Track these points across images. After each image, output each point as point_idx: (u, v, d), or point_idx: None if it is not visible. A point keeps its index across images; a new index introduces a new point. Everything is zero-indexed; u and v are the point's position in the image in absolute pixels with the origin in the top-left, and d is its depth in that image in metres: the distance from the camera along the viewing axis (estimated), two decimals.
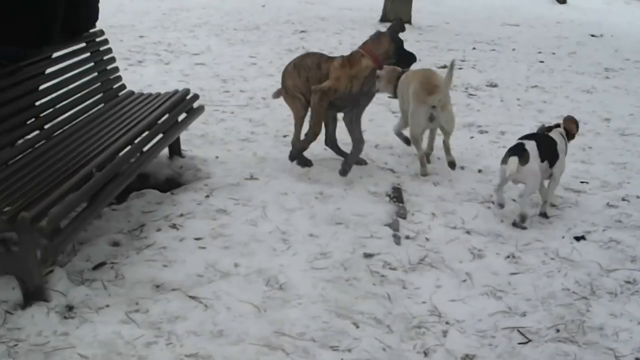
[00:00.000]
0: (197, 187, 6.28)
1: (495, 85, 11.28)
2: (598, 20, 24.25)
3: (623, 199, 6.53)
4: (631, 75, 13.41)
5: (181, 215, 5.66)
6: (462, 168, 7.12)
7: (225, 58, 12.41)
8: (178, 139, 6.87)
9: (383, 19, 18.06)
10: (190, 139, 7.66)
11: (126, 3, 20.17)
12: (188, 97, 6.92)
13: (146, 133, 5.85)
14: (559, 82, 11.92)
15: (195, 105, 6.96)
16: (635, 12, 28.79)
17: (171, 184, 6.58)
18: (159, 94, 7.04)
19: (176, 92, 7.01)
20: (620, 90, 11.75)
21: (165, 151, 6.69)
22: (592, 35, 19.48)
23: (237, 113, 8.82)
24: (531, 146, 5.74)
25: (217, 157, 7.01)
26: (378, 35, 6.43)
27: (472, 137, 8.24)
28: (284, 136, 7.88)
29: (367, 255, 5.08)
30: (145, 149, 5.71)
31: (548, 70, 13.11)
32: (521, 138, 5.97)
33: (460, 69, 12.60)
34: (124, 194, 5.94)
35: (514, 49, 15.53)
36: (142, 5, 19.58)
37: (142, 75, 10.79)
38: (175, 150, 6.93)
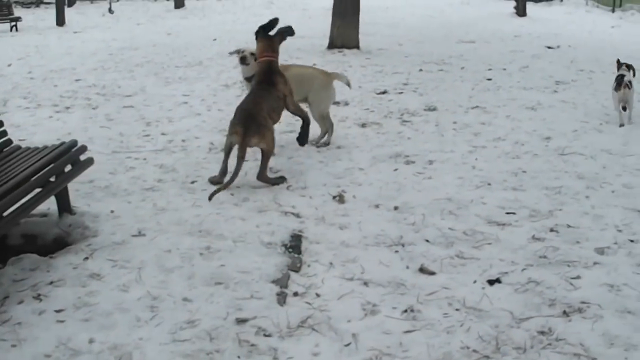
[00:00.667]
0: (79, 248, 5.70)
1: (434, 109, 10.75)
2: (557, 31, 23.93)
3: (552, 230, 5.96)
4: (582, 87, 12.95)
5: (51, 283, 5.08)
6: (377, 206, 6.54)
7: (156, 99, 11.91)
8: (66, 195, 6.30)
9: (330, 46, 17.55)
10: (92, 191, 7.09)
11: (76, 45, 19.74)
12: (74, 149, 6.34)
13: (18, 190, 5.27)
14: (503, 100, 11.41)
15: (83, 157, 6.37)
16: (597, 20, 28.53)
17: (59, 245, 5.99)
18: (45, 147, 6.46)
19: (62, 144, 6.43)
20: (568, 104, 11.25)
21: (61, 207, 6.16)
22: (549, 47, 19.08)
23: (150, 159, 8.25)
24: (629, 77, 9.83)
25: (112, 212, 6.43)
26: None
27: (395, 170, 7.66)
28: (192, 182, 7.32)
29: (240, 321, 4.48)
30: (14, 207, 5.14)
31: (494, 88, 12.62)
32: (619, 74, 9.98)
33: (400, 93, 12.10)
34: (3, 257, 5.48)
35: (462, 68, 15.07)
36: (91, 47, 19.16)
37: (65, 123, 10.33)
38: (65, 206, 6.34)
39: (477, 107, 10.95)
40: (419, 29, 23.83)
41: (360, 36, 18.92)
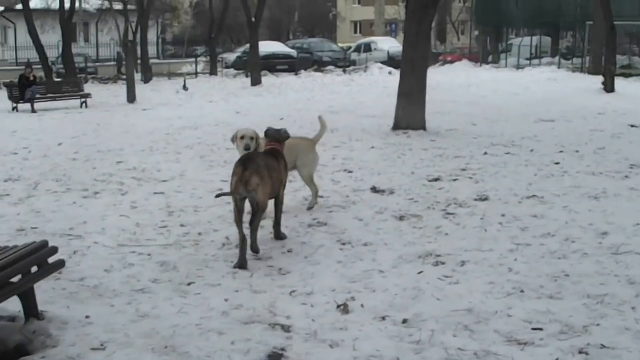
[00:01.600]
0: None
1: (486, 199, 9.97)
2: None
3: (581, 352, 5.12)
4: None
5: None
6: (383, 318, 5.79)
7: (192, 185, 11.43)
8: (33, 299, 5.77)
9: (395, 127, 16.94)
10: (79, 291, 6.54)
11: (138, 124, 19.67)
12: (43, 250, 5.82)
13: None
14: (565, 189, 10.55)
15: (52, 259, 5.86)
16: None
17: (20, 353, 5.45)
18: (15, 247, 5.97)
19: (32, 243, 5.94)
20: (637, 192, 10.30)
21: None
22: (632, 126, 18.04)
23: (155, 255, 7.68)
24: None
25: (87, 317, 5.85)
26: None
27: (420, 273, 6.89)
28: (189, 284, 6.70)
29: None
30: None
31: (560, 173, 11.77)
32: None
33: (454, 180, 11.35)
34: None
35: (532, 150, 14.25)
36: (152, 126, 19.05)
37: (86, 210, 9.87)
38: (31, 311, 5.80)
39: (534, 196, 10.11)
40: (499, 108, 23.05)
41: (432, 115, 18.41)
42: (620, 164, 12.72)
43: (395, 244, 7.94)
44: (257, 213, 7.35)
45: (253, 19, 34.86)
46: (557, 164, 12.75)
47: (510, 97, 27.36)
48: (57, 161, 13.90)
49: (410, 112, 16.84)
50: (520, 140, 15.69)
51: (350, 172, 12.35)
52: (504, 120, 19.63)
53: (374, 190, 10.79)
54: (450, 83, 33.53)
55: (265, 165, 7.46)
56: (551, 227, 8.42)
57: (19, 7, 46.11)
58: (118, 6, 45.66)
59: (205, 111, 23.90)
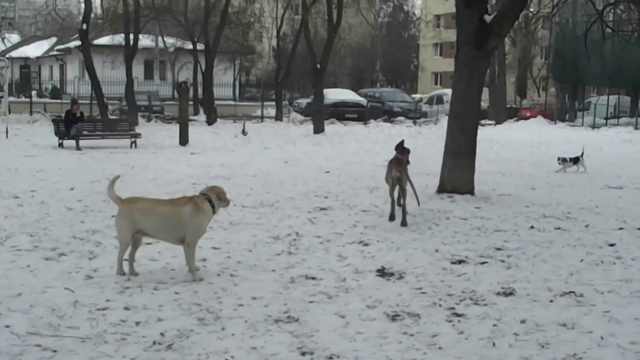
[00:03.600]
0: None
1: (510, 294, 7.80)
2: None
3: None
4: None
5: None
6: None
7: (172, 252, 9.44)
8: None
9: (440, 190, 14.80)
10: None
11: (175, 170, 18.17)
12: None
13: None
14: (613, 283, 8.31)
15: None
16: None
17: None
18: None
19: None
20: None
21: None
22: None
23: (61, 352, 5.75)
24: None
25: None
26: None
27: None
28: None
29: None
30: None
31: (611, 260, 9.51)
32: None
33: (482, 264, 9.17)
34: None
35: (587, 225, 11.96)
36: (186, 172, 17.47)
37: (34, 277, 8.17)
38: None
39: (570, 292, 7.89)
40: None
41: (492, 176, 17.07)
42: None
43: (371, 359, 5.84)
44: None
45: (318, 66, 33.24)
46: (612, 245, 10.48)
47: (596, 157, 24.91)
48: (50, 210, 12.19)
49: (457, 174, 14.70)
50: (578, 211, 13.41)
51: (366, 244, 10.29)
52: (567, 185, 17.32)
53: (381, 272, 8.74)
54: (522, 140, 31.17)
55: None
56: (580, 345, 6.21)
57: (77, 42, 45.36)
58: (189, 45, 44.40)
59: (255, 158, 22.12)
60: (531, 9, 51.46)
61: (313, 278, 8.34)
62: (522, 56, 59.73)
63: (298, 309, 7.18)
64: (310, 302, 7.46)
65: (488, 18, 14.71)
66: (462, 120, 14.74)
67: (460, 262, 9.27)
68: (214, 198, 8.32)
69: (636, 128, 37.90)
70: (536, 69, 66.91)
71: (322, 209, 12.97)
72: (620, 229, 11.78)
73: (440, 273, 8.72)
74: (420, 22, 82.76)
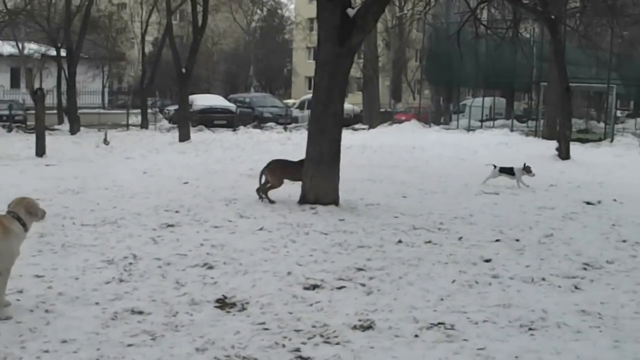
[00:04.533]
0: None
1: (369, 327, 6.61)
2: (603, 178, 19.73)
3: None
4: (620, 277, 8.81)
5: None
6: None
7: None
8: None
9: (302, 201, 13.58)
10: None
11: (22, 184, 16.06)
12: None
13: None
14: (489, 310, 7.25)
15: None
16: None
17: None
18: None
19: None
20: (589, 317, 6.97)
21: None
22: (588, 203, 14.85)
23: None
24: None
25: None
26: None
27: None
28: None
29: None
30: None
31: (486, 280, 8.54)
32: None
33: (338, 288, 7.94)
34: None
35: (460, 238, 10.97)
36: (31, 188, 15.30)
37: None
38: None
39: (440, 324, 6.73)
40: (439, 175, 19.84)
41: (362, 183, 16.26)
42: (570, 263, 9.53)
43: None
44: None
45: (183, 70, 31.71)
46: (488, 261, 9.44)
47: (456, 162, 24.19)
48: None
49: (320, 183, 13.52)
50: (451, 221, 12.41)
51: (211, 267, 8.94)
52: (441, 192, 16.38)
53: (221, 303, 7.42)
54: (395, 145, 30.30)
55: None
56: None
57: None
58: (53, 52, 42.03)
59: (112, 169, 20.39)
60: (405, 10, 51.24)
61: (140, 312, 6.99)
62: (396, 59, 59.39)
63: (112, 355, 5.83)
64: (129, 345, 6.12)
65: (351, 12, 13.62)
66: (324, 124, 13.57)
67: (314, 287, 8.03)
68: (23, 214, 6.85)
69: (512, 130, 37.71)
70: (411, 71, 66.75)
71: (169, 225, 11.55)
72: (497, 240, 10.84)
73: (289, 302, 7.45)
74: (294, 26, 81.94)
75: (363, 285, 8.16)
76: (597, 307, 7.46)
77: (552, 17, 26.21)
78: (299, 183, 13.94)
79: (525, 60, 42.27)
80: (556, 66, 27.36)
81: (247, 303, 7.40)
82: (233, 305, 7.36)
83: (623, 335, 6.58)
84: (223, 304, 7.42)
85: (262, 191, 14.05)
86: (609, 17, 31.72)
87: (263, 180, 14.15)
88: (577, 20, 33.84)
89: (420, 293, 7.82)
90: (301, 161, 14.00)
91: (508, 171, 17.82)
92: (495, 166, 17.99)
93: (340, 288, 8.03)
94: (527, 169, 17.57)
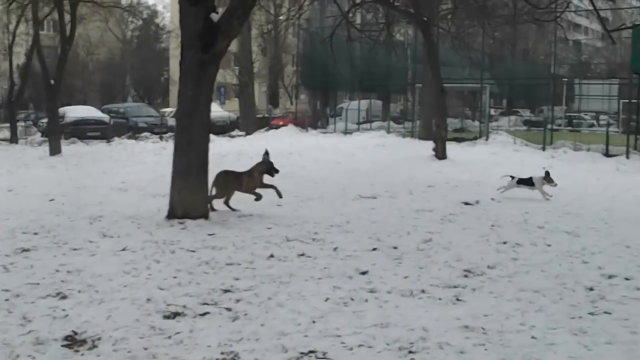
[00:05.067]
0: None
1: None
2: (481, 177, 19.46)
3: None
4: (502, 282, 8.39)
5: None
6: None
7: None
8: None
9: (170, 215, 12.68)
10: None
11: None
12: None
13: None
14: (366, 332, 6.59)
15: None
16: (526, 160, 24.23)
17: None
18: None
19: None
20: (473, 335, 6.38)
21: None
22: (466, 204, 14.46)
23: None
24: None
25: None
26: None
27: None
28: None
29: None
30: None
31: (362, 295, 7.88)
32: None
33: (203, 315, 7.12)
34: None
35: (335, 248, 10.26)
36: None
37: None
38: None
39: (311, 352, 6.11)
40: (315, 181, 19.18)
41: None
42: (450, 270, 8.99)
43: None
44: None
45: (52, 82, 30.23)
46: (364, 273, 8.78)
47: (333, 166, 23.61)
48: None
49: (188, 197, 12.67)
50: (326, 230, 11.75)
51: (64, 297, 7.96)
52: (317, 198, 15.73)
53: (70, 340, 6.50)
54: (272, 151, 29.39)
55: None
56: None
57: None
58: None
59: None
60: (280, 17, 50.73)
61: None
62: (273, 64, 58.85)
63: None
64: None
65: (215, 17, 12.83)
66: (191, 135, 12.74)
67: (175, 315, 7.19)
68: None
69: (389, 132, 37.54)
70: (287, 77, 66.33)
71: (24, 250, 10.46)
72: (374, 249, 10.24)
73: (146, 335, 6.60)
74: (170, 35, 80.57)
75: (229, 309, 7.36)
76: (480, 320, 6.88)
77: (425, 19, 26.03)
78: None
79: (400, 62, 42.31)
80: (430, 68, 27.21)
81: (99, 339, 6.52)
82: (83, 342, 6.48)
83: (510, 353, 6.03)
84: (72, 341, 6.52)
85: (209, 201, 13.37)
86: (480, 18, 31.89)
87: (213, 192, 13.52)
88: (449, 22, 33.95)
89: (290, 316, 7.08)
90: (248, 171, 13.97)
91: (527, 182, 16.13)
92: (512, 177, 16.36)
93: (203, 315, 7.22)
94: (547, 178, 16.03)
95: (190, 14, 12.94)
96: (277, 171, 14.11)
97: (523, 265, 9.40)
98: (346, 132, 39.24)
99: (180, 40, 13.43)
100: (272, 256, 9.82)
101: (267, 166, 13.99)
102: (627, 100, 36.73)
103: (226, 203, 13.66)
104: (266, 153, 14.17)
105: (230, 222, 12.51)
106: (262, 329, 6.72)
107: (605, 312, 7.32)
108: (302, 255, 9.87)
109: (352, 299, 7.63)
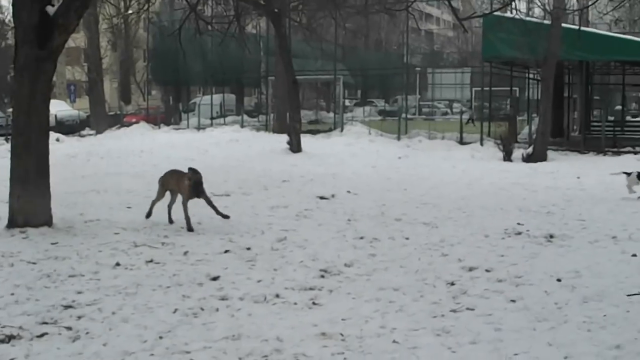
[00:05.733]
0: None
1: None
2: (336, 169, 19.24)
3: None
4: (360, 285, 7.95)
5: None
6: None
7: None
8: None
9: (11, 224, 11.81)
10: None
11: None
12: None
13: None
14: (216, 346, 6.20)
15: None
16: (382, 151, 24.30)
17: None
18: None
19: None
20: (332, 341, 6.01)
21: None
22: (322, 198, 14.17)
23: None
24: None
25: None
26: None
27: None
28: None
29: None
30: None
31: (213, 305, 7.35)
32: None
33: (41, 336, 6.49)
34: None
35: (185, 253, 9.73)
36: None
37: None
38: None
39: None
40: None
41: (84, 195, 14.77)
42: (307, 271, 8.62)
43: None
44: None
45: None
46: (215, 279, 8.31)
47: (185, 163, 22.81)
48: None
49: (28, 204, 11.85)
50: (177, 232, 11.30)
51: None
52: (167, 199, 14.97)
53: None
54: (124, 149, 28.61)
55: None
56: None
57: None
58: None
59: None
60: (130, 10, 49.38)
61: None
62: (123, 60, 57.36)
63: None
64: None
65: (51, 10, 12.02)
66: (28, 137, 11.94)
67: (10, 338, 6.51)
68: None
69: (242, 126, 37.09)
70: (139, 72, 64.83)
71: None
72: (226, 251, 9.79)
73: None
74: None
75: (69, 328, 6.75)
76: (338, 325, 6.53)
77: (275, 10, 25.68)
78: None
79: (252, 55, 41.89)
80: (282, 60, 26.92)
81: None
82: None
83: None
84: None
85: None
86: (331, 9, 31.76)
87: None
88: (300, 13, 33.72)
89: (135, 332, 6.53)
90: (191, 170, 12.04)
91: None
92: (628, 173, 14.61)
93: (41, 336, 6.58)
94: None
95: (24, 7, 12.13)
96: (200, 191, 11.74)
97: (381, 262, 9.15)
98: (199, 127, 38.55)
99: (15, 35, 12.60)
100: (118, 264, 9.22)
101: (192, 179, 11.78)
102: (479, 88, 37.48)
103: (169, 206, 12.33)
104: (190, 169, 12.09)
105: (76, 229, 11.79)
106: (105, 348, 6.15)
107: (467, 309, 7.11)
108: (151, 261, 9.31)
109: (202, 309, 7.15)
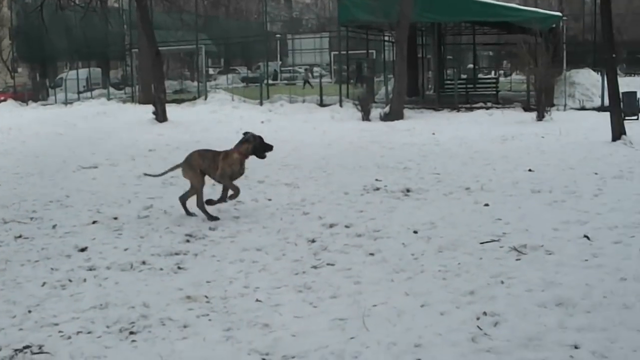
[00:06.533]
0: None
1: None
2: (201, 136, 19.15)
3: None
4: (227, 241, 7.83)
5: None
6: None
7: None
8: None
9: None
10: None
11: None
12: None
13: None
14: (85, 316, 5.97)
15: None
16: (245, 117, 24.30)
17: None
18: None
19: None
20: (197, 304, 5.96)
21: None
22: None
23: None
24: None
25: None
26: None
27: None
28: None
29: None
30: None
31: (80, 275, 7.07)
32: None
33: None
34: None
35: (54, 226, 9.45)
36: None
37: None
38: None
39: (26, 348, 5.47)
40: (36, 155, 17.97)
41: None
42: (172, 237, 8.59)
43: None
44: None
45: None
46: (83, 250, 8.24)
47: (54, 138, 22.30)
48: None
49: None
50: (45, 206, 10.91)
51: None
52: (37, 174, 14.63)
53: None
54: None
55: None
56: None
57: None
58: None
59: None
60: None
61: None
62: None
63: None
64: None
65: None
66: None
67: None
68: None
69: (109, 99, 36.24)
70: (5, 50, 62.10)
71: None
72: (94, 222, 9.56)
73: None
74: None
75: None
76: (203, 288, 6.50)
77: None
78: None
79: (116, 28, 40.82)
80: (144, 32, 26.36)
81: None
82: None
83: (235, 320, 5.67)
84: None
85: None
86: None
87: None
88: None
89: (5, 307, 6.33)
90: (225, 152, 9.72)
91: None
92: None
93: None
94: None
95: None
96: (270, 148, 9.61)
97: (245, 223, 9.13)
98: (67, 102, 37.46)
99: None
100: None
101: (253, 144, 9.56)
102: (337, 52, 37.69)
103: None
104: (246, 133, 9.83)
105: None
106: None
107: (328, 264, 7.18)
108: (20, 237, 9.01)
109: (70, 280, 6.98)
